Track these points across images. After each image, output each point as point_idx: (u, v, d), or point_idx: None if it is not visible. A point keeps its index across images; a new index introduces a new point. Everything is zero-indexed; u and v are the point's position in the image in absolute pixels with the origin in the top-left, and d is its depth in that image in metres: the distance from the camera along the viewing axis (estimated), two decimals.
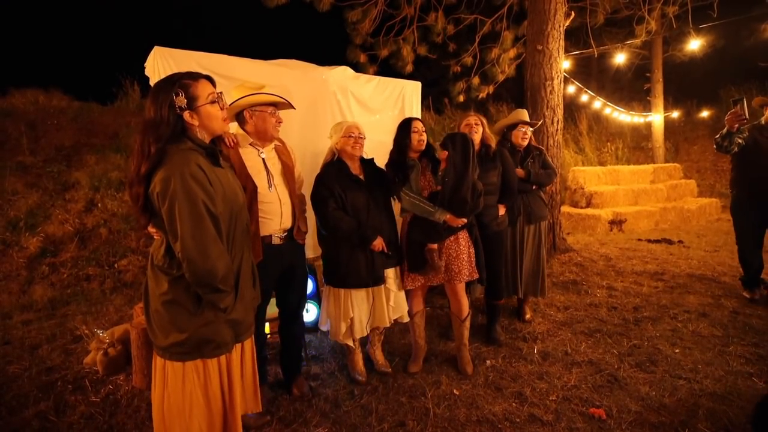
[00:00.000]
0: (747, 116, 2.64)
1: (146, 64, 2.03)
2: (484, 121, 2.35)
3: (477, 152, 2.17)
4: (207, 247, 1.12)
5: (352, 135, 1.97)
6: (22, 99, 5.48)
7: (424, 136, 2.07)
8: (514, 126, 2.58)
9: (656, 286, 3.33)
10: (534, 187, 2.57)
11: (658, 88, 8.14)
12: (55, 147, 4.72)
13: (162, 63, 1.99)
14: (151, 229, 1.33)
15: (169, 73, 1.94)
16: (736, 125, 2.66)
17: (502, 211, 2.37)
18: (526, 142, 2.56)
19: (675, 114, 8.68)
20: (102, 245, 3.95)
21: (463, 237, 2.06)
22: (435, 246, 1.97)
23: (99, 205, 4.24)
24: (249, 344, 1.41)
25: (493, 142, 2.37)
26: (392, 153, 2.12)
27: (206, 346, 1.22)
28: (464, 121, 2.33)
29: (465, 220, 1.95)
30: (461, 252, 2.04)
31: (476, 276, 2.08)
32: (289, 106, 1.78)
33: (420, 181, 2.03)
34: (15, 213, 3.98)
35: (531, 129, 2.59)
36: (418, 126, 2.08)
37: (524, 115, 2.60)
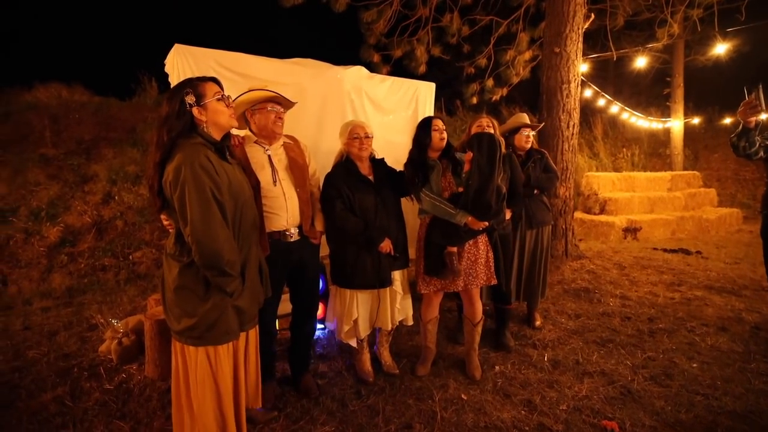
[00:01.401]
0: (764, 106, 2.10)
1: (166, 61, 2.07)
2: (496, 123, 2.33)
3: None
4: (214, 230, 1.20)
5: (357, 136, 1.97)
6: (46, 93, 5.66)
7: (445, 135, 2.04)
8: (516, 130, 2.54)
9: (672, 297, 3.24)
10: (536, 191, 2.53)
11: (679, 93, 7.93)
12: (76, 140, 4.86)
13: (181, 60, 2.03)
14: (164, 219, 1.42)
15: (188, 69, 2.02)
16: (752, 119, 2.12)
17: (508, 215, 2.36)
18: (528, 145, 2.53)
19: (695, 120, 8.43)
20: (118, 237, 4.05)
21: (483, 241, 2.03)
22: (455, 249, 1.94)
23: (116, 197, 4.35)
24: (253, 335, 1.46)
25: (503, 147, 2.34)
26: (412, 152, 2.09)
27: (215, 330, 1.28)
28: (476, 122, 2.31)
29: (487, 224, 1.91)
30: (480, 256, 2.01)
31: (494, 281, 2.05)
32: (287, 101, 1.78)
33: (441, 182, 2.00)
34: (37, 203, 4.11)
35: (533, 132, 2.56)
36: (439, 124, 2.05)
37: (525, 118, 2.57)
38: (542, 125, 2.66)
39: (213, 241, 1.19)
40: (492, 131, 2.26)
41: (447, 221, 1.92)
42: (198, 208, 1.18)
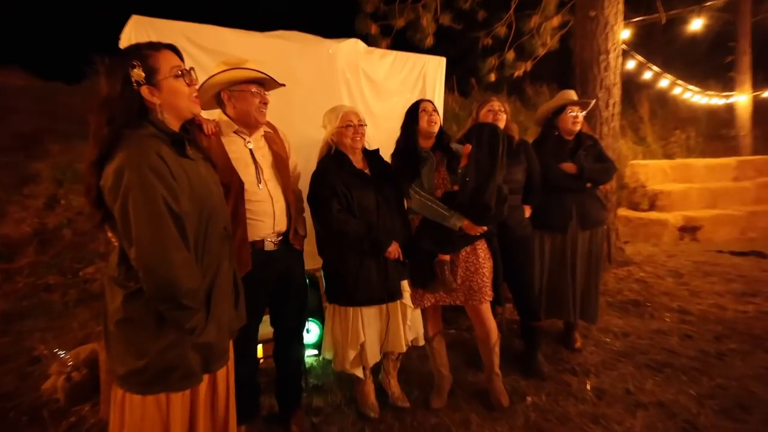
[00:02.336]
0: None
1: (122, 36, 2.10)
2: (508, 107, 2.37)
3: None
4: (168, 252, 1.11)
5: (351, 124, 1.99)
6: None
7: (436, 117, 2.07)
8: (561, 109, 2.56)
9: (745, 310, 3.23)
10: (588, 185, 2.55)
11: (745, 61, 7.90)
12: (12, 133, 4.91)
13: (141, 34, 2.07)
14: (110, 234, 1.32)
15: None
16: None
17: (527, 212, 2.39)
18: (577, 128, 2.54)
19: (767, 94, 8.42)
20: (65, 249, 4.07)
21: (482, 248, 2.06)
22: (447, 258, 1.97)
23: (62, 202, 4.38)
24: (222, 375, 1.37)
25: (516, 134, 2.39)
26: (399, 141, 2.13)
27: (170, 376, 1.19)
28: (486, 105, 2.34)
29: (485, 228, 1.94)
30: (481, 266, 2.03)
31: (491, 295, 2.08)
32: (275, 83, 1.79)
33: (434, 177, 2.03)
34: None
35: (583, 112, 2.57)
36: (428, 107, 2.08)
37: (572, 95, 2.59)
38: (593, 103, 2.67)
39: (166, 267, 1.10)
40: (505, 117, 2.30)
41: (439, 224, 1.94)
42: (146, 224, 1.09)
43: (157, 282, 1.11)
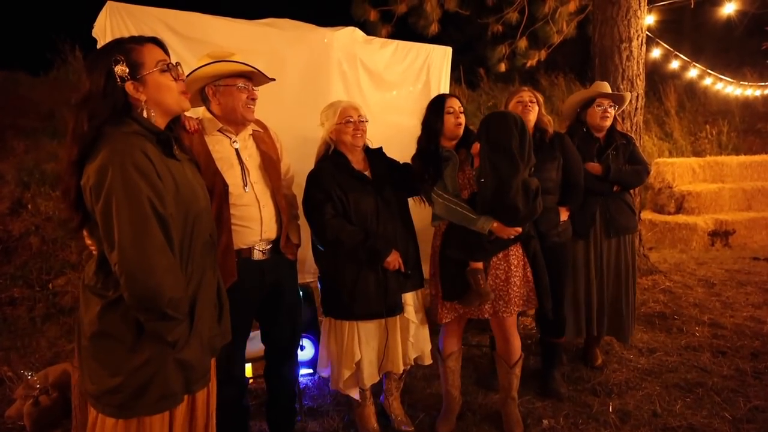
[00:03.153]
0: None
1: (95, 24, 2.12)
2: (541, 98, 2.35)
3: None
4: (152, 257, 1.13)
5: (351, 119, 2.01)
6: None
7: (462, 119, 2.08)
8: (589, 103, 2.57)
9: None
10: (616, 188, 2.56)
11: None
12: None
13: (116, 22, 2.09)
14: (88, 240, 1.37)
15: (125, 34, 2.04)
16: None
17: (564, 216, 2.35)
18: (606, 123, 2.54)
19: None
20: (32, 259, 4.08)
21: (515, 253, 2.05)
22: (480, 265, 1.96)
23: (29, 206, 4.39)
24: (202, 397, 1.38)
25: (550, 127, 2.37)
26: (420, 140, 2.14)
27: (147, 395, 1.19)
28: (515, 97, 2.34)
29: (519, 230, 1.93)
30: (512, 274, 2.03)
31: (535, 305, 2.07)
32: (264, 77, 1.81)
33: (458, 178, 2.04)
34: None
35: (614, 106, 2.56)
36: (455, 105, 2.09)
37: (604, 87, 2.60)
38: (628, 98, 2.67)
39: (150, 273, 1.12)
40: (536, 108, 2.29)
41: (467, 229, 1.94)
42: (129, 226, 1.11)
43: (139, 288, 1.12)
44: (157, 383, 1.20)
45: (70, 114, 1.21)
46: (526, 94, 2.31)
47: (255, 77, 1.81)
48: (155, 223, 1.15)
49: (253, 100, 1.79)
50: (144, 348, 1.19)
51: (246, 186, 1.75)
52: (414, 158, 2.14)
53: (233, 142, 1.79)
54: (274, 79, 1.85)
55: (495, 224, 1.89)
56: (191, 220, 1.28)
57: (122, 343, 1.18)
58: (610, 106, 2.53)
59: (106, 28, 2.07)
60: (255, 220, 1.76)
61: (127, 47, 1.23)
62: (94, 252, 1.32)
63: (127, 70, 1.20)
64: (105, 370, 1.18)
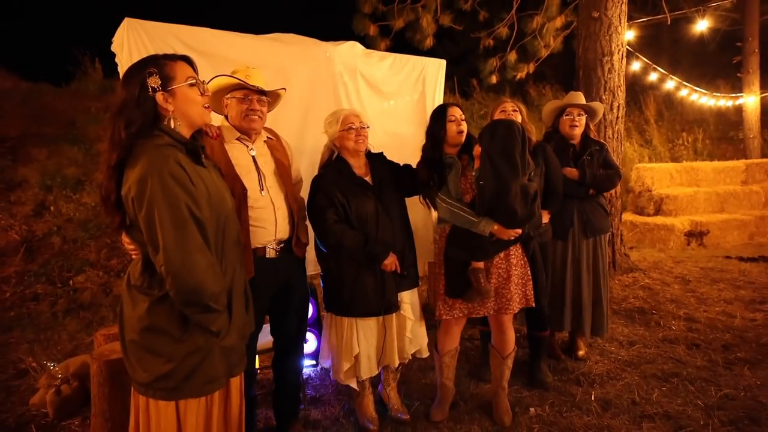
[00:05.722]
0: None
1: (114, 39, 2.13)
2: (523, 108, 2.37)
3: None
4: (194, 257, 1.19)
5: (353, 126, 2.01)
6: None
7: (464, 126, 2.09)
8: (561, 112, 2.60)
9: (753, 318, 3.26)
10: (591, 191, 2.58)
11: (753, 62, 7.95)
12: None
13: (133, 37, 2.09)
14: (127, 243, 1.41)
15: (142, 48, 2.07)
16: None
17: (545, 218, 2.38)
18: (575, 132, 2.57)
19: None
20: (54, 258, 4.08)
21: (515, 254, 2.06)
22: (481, 265, 1.97)
23: (51, 208, 4.40)
24: (236, 383, 1.45)
25: (533, 136, 2.39)
26: (425, 148, 2.14)
27: (195, 380, 1.26)
28: (498, 107, 2.36)
29: (519, 232, 1.93)
30: (513, 273, 2.04)
31: (532, 303, 2.08)
32: (259, 89, 1.80)
33: (460, 183, 2.04)
34: None
35: (582, 115, 2.59)
36: (456, 113, 2.09)
37: (577, 97, 2.62)
38: (597, 106, 2.69)
39: (193, 271, 1.18)
40: (519, 117, 2.31)
41: (469, 231, 1.95)
42: (172, 230, 1.17)
43: (184, 286, 1.18)
44: (204, 369, 1.28)
45: (108, 125, 1.27)
46: (509, 105, 2.33)
47: (254, 89, 1.79)
48: (193, 226, 1.21)
49: (253, 110, 1.79)
50: (191, 338, 1.26)
51: (262, 190, 1.78)
52: (419, 166, 2.14)
53: (250, 149, 1.82)
54: (266, 93, 1.84)
55: (496, 227, 1.90)
56: (222, 222, 1.35)
57: (170, 335, 1.25)
58: (579, 115, 2.57)
59: (123, 43, 2.09)
60: (270, 222, 1.78)
61: (161, 62, 1.29)
62: (134, 256, 1.38)
63: (159, 82, 1.26)
64: (159, 358, 1.25)
